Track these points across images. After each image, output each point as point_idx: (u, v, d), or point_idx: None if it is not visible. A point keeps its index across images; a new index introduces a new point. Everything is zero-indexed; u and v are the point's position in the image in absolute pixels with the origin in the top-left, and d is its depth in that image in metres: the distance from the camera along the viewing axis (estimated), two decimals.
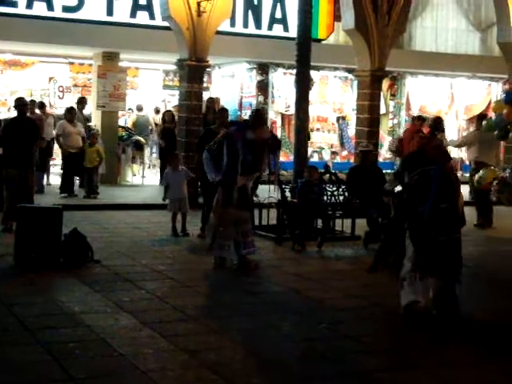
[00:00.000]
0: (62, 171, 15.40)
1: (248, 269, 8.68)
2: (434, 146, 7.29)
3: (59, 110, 18.87)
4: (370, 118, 15.38)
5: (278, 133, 20.07)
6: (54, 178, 16.20)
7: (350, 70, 18.82)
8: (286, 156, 19.84)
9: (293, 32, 15.51)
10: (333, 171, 12.06)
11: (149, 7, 17.28)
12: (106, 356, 5.41)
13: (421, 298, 6.68)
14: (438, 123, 13.18)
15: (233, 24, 18.06)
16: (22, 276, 7.95)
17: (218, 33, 15.06)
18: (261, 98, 19.88)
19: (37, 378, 4.95)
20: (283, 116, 20.19)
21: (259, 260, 9.21)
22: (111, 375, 5.07)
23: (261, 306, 7.16)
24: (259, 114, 9.02)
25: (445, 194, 6.76)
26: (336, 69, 20.20)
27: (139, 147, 17.98)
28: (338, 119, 20.89)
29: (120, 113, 18.59)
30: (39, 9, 16.46)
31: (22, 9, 16.34)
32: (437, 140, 8.29)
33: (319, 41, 18.57)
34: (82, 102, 16.82)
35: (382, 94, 16.52)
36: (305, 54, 11.57)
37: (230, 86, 20.30)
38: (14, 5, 16.24)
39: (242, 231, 8.77)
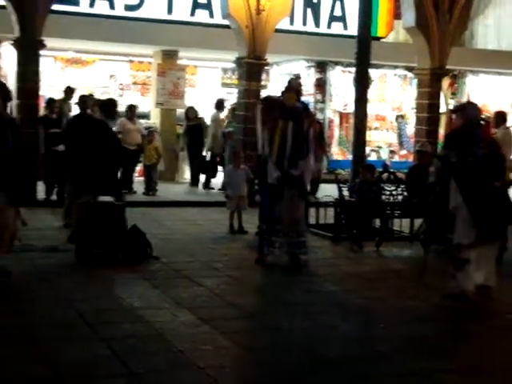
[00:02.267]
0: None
1: (298, 267, 8.66)
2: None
3: (119, 107, 19.08)
4: (429, 117, 15.22)
5: (336, 131, 20.02)
6: None
7: (409, 69, 18.64)
8: (343, 155, 19.78)
9: (352, 30, 15.45)
10: (391, 170, 11.96)
11: (208, 5, 17.43)
12: (165, 351, 5.46)
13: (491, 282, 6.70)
14: (500, 116, 12.78)
15: (292, 22, 18.08)
16: (83, 271, 8.08)
17: (277, 31, 15.06)
18: (319, 96, 19.84)
19: (97, 372, 5.02)
20: (341, 114, 20.10)
21: (316, 259, 9.20)
22: (170, 371, 5.12)
23: (318, 304, 7.13)
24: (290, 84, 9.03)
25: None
26: (395, 67, 20.03)
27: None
28: (396, 118, 20.71)
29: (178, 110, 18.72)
30: (101, 7, 16.74)
31: (84, 7, 16.64)
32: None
33: (379, 39, 18.45)
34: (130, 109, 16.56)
35: (442, 92, 16.31)
36: (364, 53, 11.51)
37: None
38: (77, 3, 16.55)
39: (298, 230, 8.73)
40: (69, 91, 14.86)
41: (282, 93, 8.80)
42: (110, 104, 10.49)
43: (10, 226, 7.54)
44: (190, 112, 16.97)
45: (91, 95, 14.52)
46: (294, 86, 8.88)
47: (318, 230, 10.95)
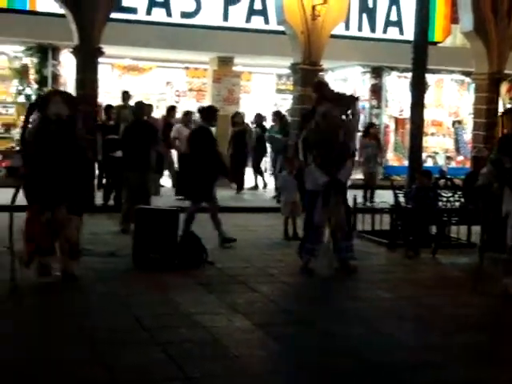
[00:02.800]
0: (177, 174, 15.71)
1: (348, 272, 8.61)
2: None
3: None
4: (487, 123, 15.01)
5: (391, 137, 19.89)
6: (168, 180, 16.52)
7: (466, 73, 18.42)
8: (399, 161, 19.62)
9: (408, 35, 15.35)
10: (448, 176, 11.82)
11: (264, 12, 17.49)
12: (221, 357, 5.49)
13: None
14: None
15: (347, 27, 18.01)
16: (140, 276, 8.17)
17: (332, 36, 15.04)
18: (374, 102, 19.73)
19: (153, 376, 5.07)
20: (397, 120, 19.96)
21: (371, 265, 9.15)
22: (226, 376, 5.15)
23: (372, 311, 7.09)
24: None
25: None
26: (452, 72, 19.81)
27: None
28: (453, 123, 20.47)
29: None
30: (158, 15, 16.94)
31: (141, 15, 16.86)
32: None
33: (435, 43, 18.26)
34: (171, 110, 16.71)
35: (500, 97, 16.06)
36: (421, 58, 11.41)
37: (343, 89, 20.20)
38: (134, 11, 16.77)
39: (343, 234, 8.67)
40: (125, 96, 15.09)
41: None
42: (210, 111, 10.64)
43: (76, 235, 7.67)
44: (237, 118, 16.98)
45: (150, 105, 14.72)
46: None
47: (373, 236, 10.89)
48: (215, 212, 10.22)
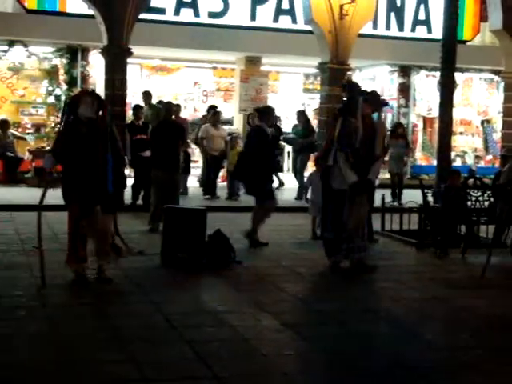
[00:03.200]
0: (205, 174, 15.76)
1: (365, 271, 8.57)
2: None
3: (202, 113, 19.36)
4: None
5: (419, 136, 19.79)
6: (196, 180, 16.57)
7: (496, 72, 18.26)
8: (427, 160, 19.52)
9: (437, 33, 15.26)
10: (477, 176, 11.72)
11: (291, 11, 17.50)
12: (249, 356, 5.50)
13: None
14: None
15: (375, 26, 17.96)
16: (168, 275, 8.21)
17: (360, 35, 15.00)
18: (402, 101, 19.64)
19: (182, 375, 5.08)
20: (425, 119, 19.86)
21: (400, 265, 9.12)
22: (254, 375, 5.15)
23: (403, 312, 7.06)
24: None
25: None
26: (481, 70, 19.66)
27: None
28: (482, 122, 20.32)
29: None
30: (186, 15, 17.02)
31: (169, 16, 16.95)
32: None
33: (464, 42, 18.14)
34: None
35: None
36: (450, 56, 11.34)
37: (371, 88, 20.12)
38: (162, 12, 16.87)
39: (362, 233, 8.66)
40: (144, 96, 15.19)
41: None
42: (268, 111, 10.63)
43: (110, 235, 7.68)
44: (252, 118, 16.79)
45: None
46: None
47: (401, 236, 10.84)
48: (264, 210, 10.21)
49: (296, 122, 16.40)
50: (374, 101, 8.67)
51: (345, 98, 9.13)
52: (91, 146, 7.35)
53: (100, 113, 7.50)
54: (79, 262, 7.54)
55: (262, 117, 10.36)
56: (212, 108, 16.20)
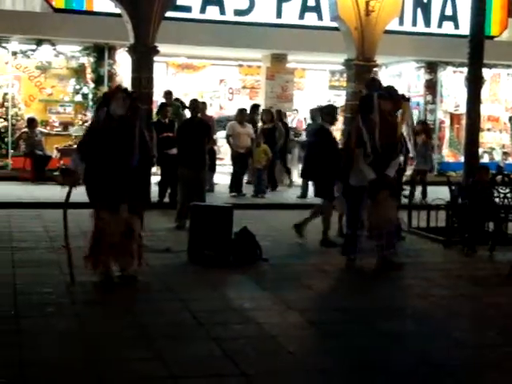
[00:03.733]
0: (232, 171, 15.79)
1: (391, 269, 8.51)
2: None
3: (228, 111, 19.43)
4: None
5: (447, 133, 19.68)
6: (222, 177, 16.59)
7: None
8: (454, 156, 19.42)
9: (464, 29, 15.17)
10: (505, 172, 11.64)
11: (317, 8, 17.47)
12: (275, 353, 5.51)
13: None
14: None
15: (401, 22, 17.88)
16: (195, 272, 8.24)
17: (386, 32, 14.94)
18: (429, 97, 19.53)
19: (209, 372, 5.10)
20: (452, 115, 19.74)
21: (426, 262, 9.08)
22: (280, 372, 5.16)
23: (431, 309, 7.03)
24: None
25: None
26: (509, 66, 19.50)
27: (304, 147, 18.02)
28: (510, 119, 20.15)
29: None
30: (212, 13, 17.05)
31: (195, 13, 17.01)
32: None
33: (492, 38, 17.99)
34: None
35: None
36: (477, 52, 11.23)
37: (397, 85, 20.02)
38: (188, 10, 16.92)
39: (390, 231, 8.60)
40: (165, 95, 15.27)
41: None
42: (332, 110, 10.59)
43: (138, 233, 7.62)
44: (266, 115, 16.39)
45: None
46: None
47: (428, 233, 10.78)
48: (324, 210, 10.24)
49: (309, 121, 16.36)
50: (390, 96, 8.59)
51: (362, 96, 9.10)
52: (120, 143, 7.35)
53: (134, 110, 7.49)
54: (96, 267, 7.45)
55: (327, 116, 10.32)
56: (255, 107, 16.24)
